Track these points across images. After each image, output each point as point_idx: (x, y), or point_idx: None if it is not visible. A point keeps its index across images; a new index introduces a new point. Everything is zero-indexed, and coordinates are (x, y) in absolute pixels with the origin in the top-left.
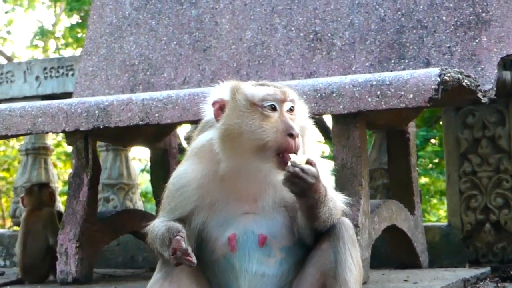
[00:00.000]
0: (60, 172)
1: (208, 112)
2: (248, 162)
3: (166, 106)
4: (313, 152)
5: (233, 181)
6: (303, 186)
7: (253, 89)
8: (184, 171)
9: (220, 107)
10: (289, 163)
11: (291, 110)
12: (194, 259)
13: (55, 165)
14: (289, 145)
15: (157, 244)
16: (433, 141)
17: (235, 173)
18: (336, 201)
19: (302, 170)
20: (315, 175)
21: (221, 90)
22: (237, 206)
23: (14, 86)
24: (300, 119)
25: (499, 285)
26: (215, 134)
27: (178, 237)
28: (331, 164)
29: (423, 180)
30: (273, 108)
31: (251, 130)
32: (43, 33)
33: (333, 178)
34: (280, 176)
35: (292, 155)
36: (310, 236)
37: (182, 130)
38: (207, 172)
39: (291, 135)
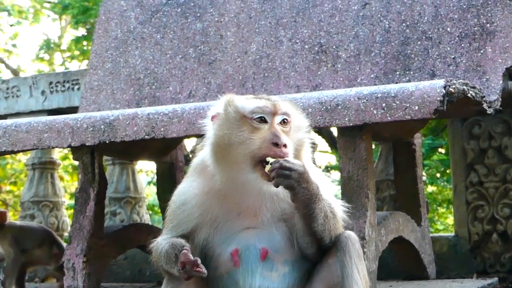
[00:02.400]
0: (67, 185)
1: (208, 127)
2: (240, 174)
3: (171, 120)
4: (310, 164)
5: (231, 196)
6: (293, 174)
7: (244, 101)
8: (184, 188)
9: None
10: (271, 160)
11: (284, 122)
12: (204, 270)
13: (61, 178)
14: (272, 153)
15: (163, 262)
16: (440, 149)
17: (232, 188)
18: (334, 207)
19: (286, 161)
20: (300, 164)
21: (219, 104)
22: (238, 221)
23: (20, 101)
24: (297, 133)
25: None
26: (208, 146)
27: (184, 251)
28: (330, 178)
29: (430, 189)
30: (263, 120)
31: (240, 141)
32: (49, 46)
33: (336, 188)
34: (272, 188)
35: (269, 159)
36: (311, 246)
37: (190, 142)
38: (208, 188)
39: (276, 144)
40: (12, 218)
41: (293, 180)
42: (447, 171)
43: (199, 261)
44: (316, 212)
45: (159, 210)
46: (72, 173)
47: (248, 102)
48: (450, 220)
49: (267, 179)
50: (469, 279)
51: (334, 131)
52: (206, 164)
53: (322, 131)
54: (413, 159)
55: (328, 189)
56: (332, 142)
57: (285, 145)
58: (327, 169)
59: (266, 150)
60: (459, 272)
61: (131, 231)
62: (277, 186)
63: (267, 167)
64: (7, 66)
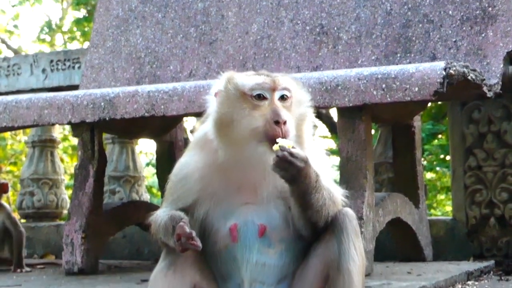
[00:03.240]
0: (67, 166)
1: (210, 103)
2: (242, 150)
3: (172, 98)
4: (311, 139)
5: (232, 171)
6: (292, 170)
7: (244, 78)
8: (186, 162)
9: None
10: (277, 147)
11: (284, 98)
12: (199, 243)
13: (61, 159)
14: (275, 132)
15: (161, 233)
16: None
17: (233, 163)
18: (333, 192)
19: (291, 154)
20: (304, 159)
21: (220, 81)
22: (238, 197)
23: (21, 79)
24: (298, 108)
25: (502, 278)
26: (210, 123)
27: (181, 223)
28: (328, 156)
29: (429, 175)
30: (263, 97)
31: (241, 119)
32: (50, 28)
33: (335, 170)
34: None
35: (279, 140)
36: (306, 228)
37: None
38: (208, 162)
39: (277, 122)
40: (12, 198)
41: (290, 175)
42: (447, 157)
43: (194, 233)
44: (311, 202)
45: (158, 193)
46: (72, 155)
47: (247, 79)
48: (449, 207)
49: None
50: (465, 262)
51: (334, 116)
52: (207, 139)
53: (323, 116)
54: (412, 141)
55: (328, 173)
56: (332, 127)
57: (285, 122)
58: (327, 153)
59: (268, 128)
60: (456, 255)
61: (129, 208)
62: (281, 177)
63: (275, 147)
64: (8, 46)
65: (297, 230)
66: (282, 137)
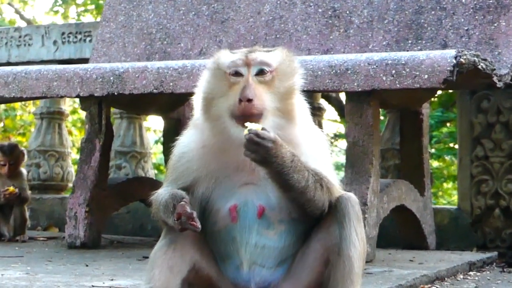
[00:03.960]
0: (75, 139)
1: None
2: (224, 128)
3: (181, 75)
4: (302, 114)
5: (227, 150)
6: (261, 151)
7: (223, 56)
8: (186, 141)
9: None
10: (246, 131)
11: (262, 73)
12: (198, 224)
13: (70, 132)
14: (238, 110)
15: (161, 211)
16: (448, 124)
17: (223, 142)
18: (323, 174)
19: (257, 135)
20: (272, 138)
21: (210, 60)
22: (237, 177)
23: (32, 50)
24: (284, 81)
25: (505, 270)
26: (196, 103)
27: (182, 203)
28: (337, 146)
29: (437, 163)
30: (238, 74)
31: (220, 96)
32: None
33: (336, 155)
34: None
35: (247, 123)
36: (294, 211)
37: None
38: (206, 142)
39: (240, 101)
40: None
41: (260, 156)
42: (455, 146)
43: (194, 214)
44: (291, 183)
45: (165, 170)
46: (81, 128)
47: (225, 57)
48: (455, 196)
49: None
50: (468, 252)
51: (344, 99)
52: None
53: (332, 99)
54: (420, 128)
55: (321, 153)
56: (341, 110)
57: (249, 100)
58: (336, 137)
59: (234, 108)
60: (459, 245)
61: (134, 184)
62: (252, 160)
63: (245, 131)
64: (22, 17)
65: (290, 211)
66: (248, 116)
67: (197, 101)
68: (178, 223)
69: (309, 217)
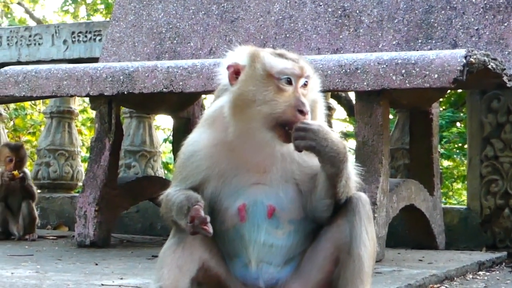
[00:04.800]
0: (85, 139)
1: (223, 76)
2: (255, 131)
3: (190, 74)
4: (322, 120)
5: (242, 151)
6: (310, 135)
7: (272, 59)
8: (195, 139)
9: (234, 71)
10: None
11: (305, 85)
12: (211, 229)
13: (80, 132)
14: (296, 119)
15: (174, 212)
16: (458, 124)
17: (244, 143)
18: (350, 171)
19: (302, 122)
20: (315, 123)
21: (237, 55)
22: (247, 177)
23: (42, 49)
24: (312, 93)
25: None
26: (227, 97)
27: (197, 206)
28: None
29: (447, 163)
30: (289, 82)
31: (264, 100)
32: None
33: (351, 154)
34: (285, 148)
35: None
36: (327, 209)
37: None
38: (218, 140)
39: (302, 112)
40: (29, 167)
41: (310, 140)
42: (465, 146)
43: (208, 219)
44: (343, 171)
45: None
46: (91, 127)
47: (276, 61)
48: (465, 197)
49: (285, 141)
50: (478, 252)
51: (353, 99)
52: (218, 116)
53: (341, 99)
54: (430, 128)
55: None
56: (350, 110)
57: (308, 112)
58: (345, 136)
59: (290, 116)
60: (468, 245)
61: (144, 183)
62: (299, 150)
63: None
64: (32, 16)
65: (317, 212)
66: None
67: (227, 98)
68: (191, 226)
69: (330, 213)
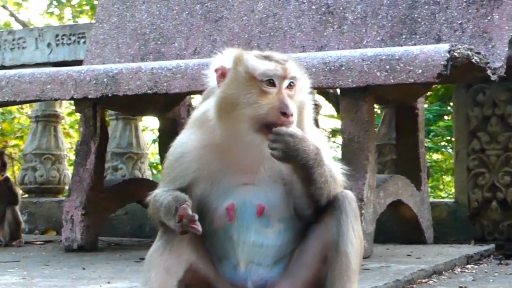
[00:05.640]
0: (73, 142)
1: (211, 79)
2: (242, 132)
3: (175, 75)
4: (311, 126)
5: (230, 152)
6: (280, 147)
7: (255, 61)
8: (184, 141)
9: (222, 74)
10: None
11: (290, 86)
12: (199, 227)
13: (68, 135)
14: (280, 121)
15: (162, 212)
16: (446, 118)
17: (232, 145)
18: (333, 170)
19: (275, 132)
20: (288, 132)
21: (225, 57)
22: (236, 177)
23: (26, 53)
24: (300, 94)
25: (502, 262)
26: (213, 100)
27: (184, 205)
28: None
29: (435, 156)
30: (272, 84)
31: (248, 103)
32: (59, 1)
33: (335, 151)
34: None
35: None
36: (307, 207)
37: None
38: (206, 142)
39: (285, 114)
40: (17, 171)
41: (280, 151)
42: (452, 139)
43: (196, 217)
44: (315, 176)
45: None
46: (78, 130)
47: (258, 63)
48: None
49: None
50: (466, 245)
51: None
52: (207, 118)
53: (329, 95)
54: (416, 123)
55: (327, 152)
56: (338, 106)
57: (292, 115)
58: (333, 133)
59: (274, 118)
60: (457, 238)
61: (131, 185)
62: (276, 158)
63: (269, 136)
64: (17, 19)
65: (299, 210)
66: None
67: (212, 101)
68: (180, 225)
69: (315, 211)
